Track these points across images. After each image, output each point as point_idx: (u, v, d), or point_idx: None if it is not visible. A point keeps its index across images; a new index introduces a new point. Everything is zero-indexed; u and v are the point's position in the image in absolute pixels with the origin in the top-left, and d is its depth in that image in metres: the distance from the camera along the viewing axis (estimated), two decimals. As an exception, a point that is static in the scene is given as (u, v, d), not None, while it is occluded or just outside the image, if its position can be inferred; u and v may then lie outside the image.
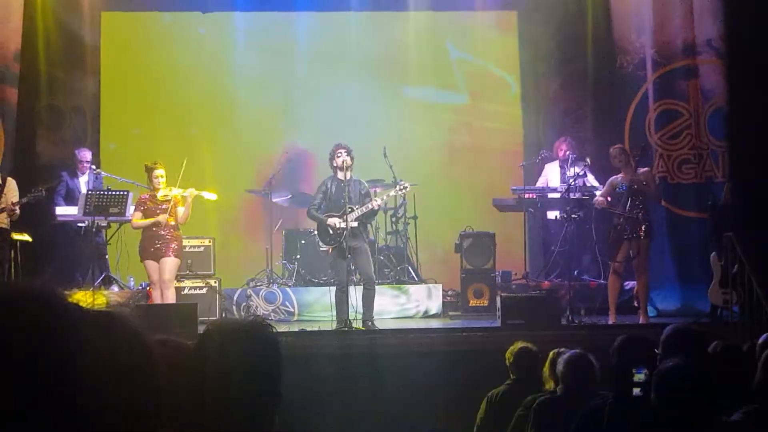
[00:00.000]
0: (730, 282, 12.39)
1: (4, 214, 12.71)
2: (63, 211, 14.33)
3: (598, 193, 13.33)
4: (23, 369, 1.62)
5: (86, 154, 14.84)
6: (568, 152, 14.85)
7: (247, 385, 3.11)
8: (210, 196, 12.79)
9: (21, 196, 12.91)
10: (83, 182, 14.64)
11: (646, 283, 12.86)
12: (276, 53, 16.87)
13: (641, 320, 12.65)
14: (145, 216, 12.61)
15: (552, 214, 14.90)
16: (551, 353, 7.91)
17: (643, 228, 12.57)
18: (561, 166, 14.95)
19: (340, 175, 12.51)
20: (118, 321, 1.77)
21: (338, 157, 12.46)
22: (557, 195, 14.40)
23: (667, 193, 14.39)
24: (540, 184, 15.12)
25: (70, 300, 1.78)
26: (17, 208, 12.72)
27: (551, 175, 15.12)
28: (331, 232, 12.42)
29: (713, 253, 12.88)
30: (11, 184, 12.77)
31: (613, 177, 12.93)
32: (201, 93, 16.61)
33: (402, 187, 12.79)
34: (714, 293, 12.79)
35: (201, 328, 11.02)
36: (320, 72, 16.78)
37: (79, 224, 14.30)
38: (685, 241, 14.34)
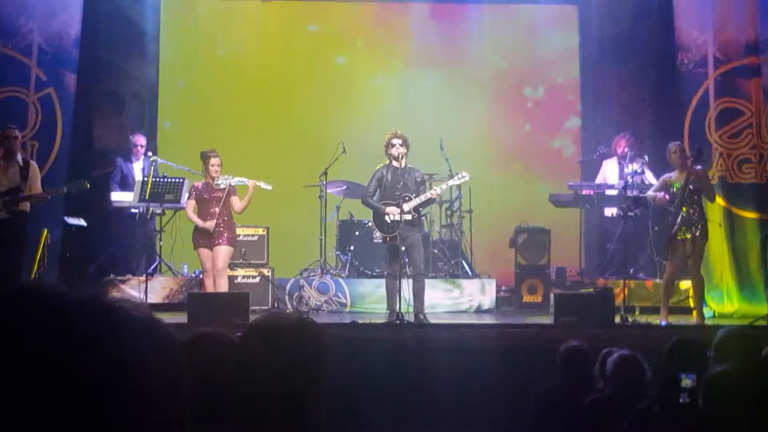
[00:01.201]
0: (789, 283, 12.29)
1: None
2: (118, 197, 14.38)
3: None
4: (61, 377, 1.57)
5: (140, 139, 14.92)
6: (626, 149, 14.71)
7: (288, 383, 3.09)
8: (265, 186, 12.79)
9: (66, 184, 12.94)
10: (138, 168, 14.70)
11: (700, 283, 12.71)
12: (335, 42, 16.92)
13: (696, 321, 12.52)
14: (198, 203, 12.65)
15: (609, 211, 14.80)
16: (603, 352, 7.83)
17: (698, 228, 12.43)
18: (619, 163, 14.83)
19: (395, 163, 12.46)
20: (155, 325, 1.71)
21: (393, 146, 12.40)
22: (614, 192, 14.29)
23: (727, 192, 14.21)
24: (598, 180, 15.01)
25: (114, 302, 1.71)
26: (48, 195, 12.65)
27: (609, 172, 15.00)
28: (388, 221, 12.37)
29: (772, 253, 12.76)
30: (35, 169, 12.60)
31: (667, 175, 12.81)
32: (259, 81, 16.68)
33: (461, 176, 12.68)
34: (772, 294, 12.67)
35: (253, 318, 11.09)
36: (377, 62, 16.79)
37: (133, 210, 14.38)
38: (744, 241, 14.17)
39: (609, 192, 14.59)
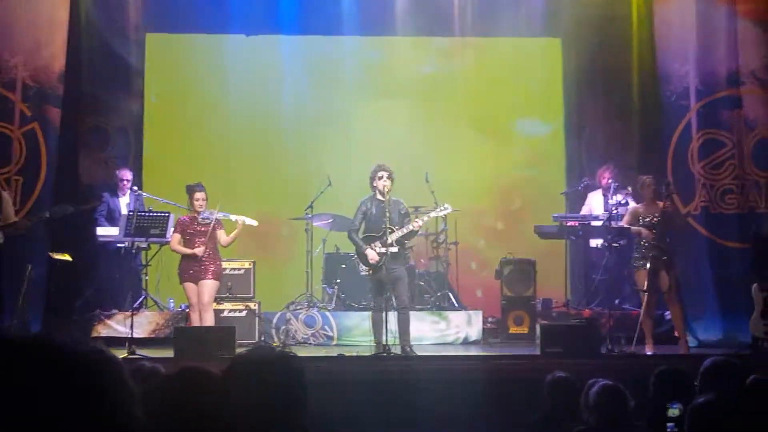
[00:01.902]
0: (772, 314, 12.35)
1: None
2: (104, 231, 14.36)
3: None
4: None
5: (126, 174, 14.90)
6: (610, 180, 14.80)
7: (271, 415, 3.10)
8: (251, 222, 12.78)
9: (48, 209, 12.86)
10: (124, 203, 14.68)
11: (679, 313, 12.89)
12: (320, 76, 16.94)
13: (681, 351, 12.58)
14: (184, 237, 12.64)
15: (594, 242, 14.84)
16: (588, 383, 7.85)
17: (665, 260, 12.58)
18: (604, 195, 14.91)
19: (380, 196, 12.48)
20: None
21: (379, 179, 12.42)
22: (599, 223, 14.33)
23: (710, 223, 14.29)
24: (584, 212, 15.09)
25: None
26: (29, 222, 12.52)
27: (594, 204, 15.08)
28: (369, 257, 12.40)
29: (755, 284, 12.81)
30: (7, 199, 12.47)
31: (635, 207, 13.01)
32: (244, 115, 16.70)
33: (443, 207, 12.73)
34: (755, 324, 12.71)
35: (239, 352, 11.05)
36: (364, 96, 16.83)
37: (119, 245, 14.33)
38: (727, 271, 14.19)
39: (594, 223, 14.64)
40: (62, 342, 1.76)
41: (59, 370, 1.71)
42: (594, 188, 15.24)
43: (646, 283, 12.61)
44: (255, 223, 12.81)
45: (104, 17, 15.34)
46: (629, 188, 14.12)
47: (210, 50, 16.94)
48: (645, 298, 12.68)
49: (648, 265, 12.56)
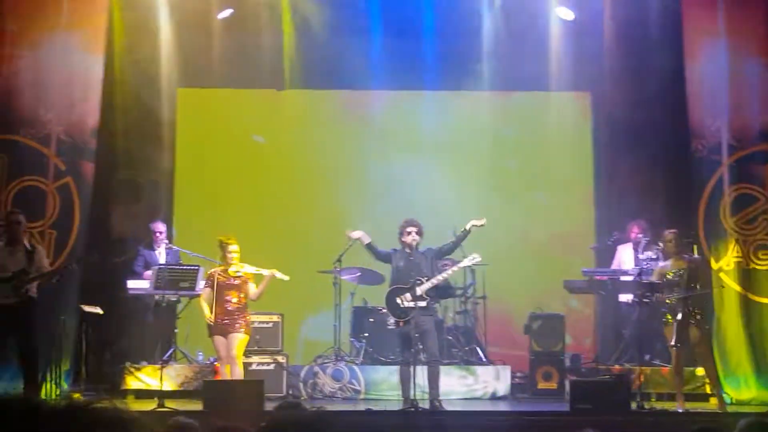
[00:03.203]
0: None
1: (35, 284, 12.15)
2: (135, 284, 14.40)
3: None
4: None
5: (160, 226, 15.00)
6: (640, 235, 14.73)
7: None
8: (283, 277, 12.70)
9: (75, 259, 13.02)
10: (161, 255, 14.75)
11: (712, 369, 12.72)
12: (352, 132, 16.99)
13: (718, 408, 12.43)
14: (215, 290, 12.63)
15: (624, 297, 14.73)
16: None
17: (693, 315, 12.44)
18: (634, 249, 14.83)
19: (408, 250, 12.47)
20: None
21: (408, 234, 12.44)
22: (629, 278, 14.25)
23: (743, 278, 14.18)
24: (614, 266, 15.00)
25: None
26: (57, 272, 12.60)
27: (624, 258, 15.00)
28: (401, 306, 12.35)
29: (789, 340, 12.72)
30: (41, 252, 12.48)
31: (662, 265, 12.81)
32: (274, 168, 16.79)
33: (471, 258, 12.69)
34: (789, 381, 12.61)
35: (268, 405, 11.04)
36: (394, 150, 16.83)
37: (150, 298, 14.31)
38: (761, 327, 14.09)
39: (623, 278, 14.56)
40: (82, 406, 1.83)
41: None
42: (624, 242, 15.16)
43: (674, 338, 12.51)
44: (286, 278, 12.73)
45: (137, 73, 15.55)
46: (660, 243, 14.05)
47: (240, 104, 17.04)
48: (674, 354, 12.58)
49: (677, 321, 12.45)
